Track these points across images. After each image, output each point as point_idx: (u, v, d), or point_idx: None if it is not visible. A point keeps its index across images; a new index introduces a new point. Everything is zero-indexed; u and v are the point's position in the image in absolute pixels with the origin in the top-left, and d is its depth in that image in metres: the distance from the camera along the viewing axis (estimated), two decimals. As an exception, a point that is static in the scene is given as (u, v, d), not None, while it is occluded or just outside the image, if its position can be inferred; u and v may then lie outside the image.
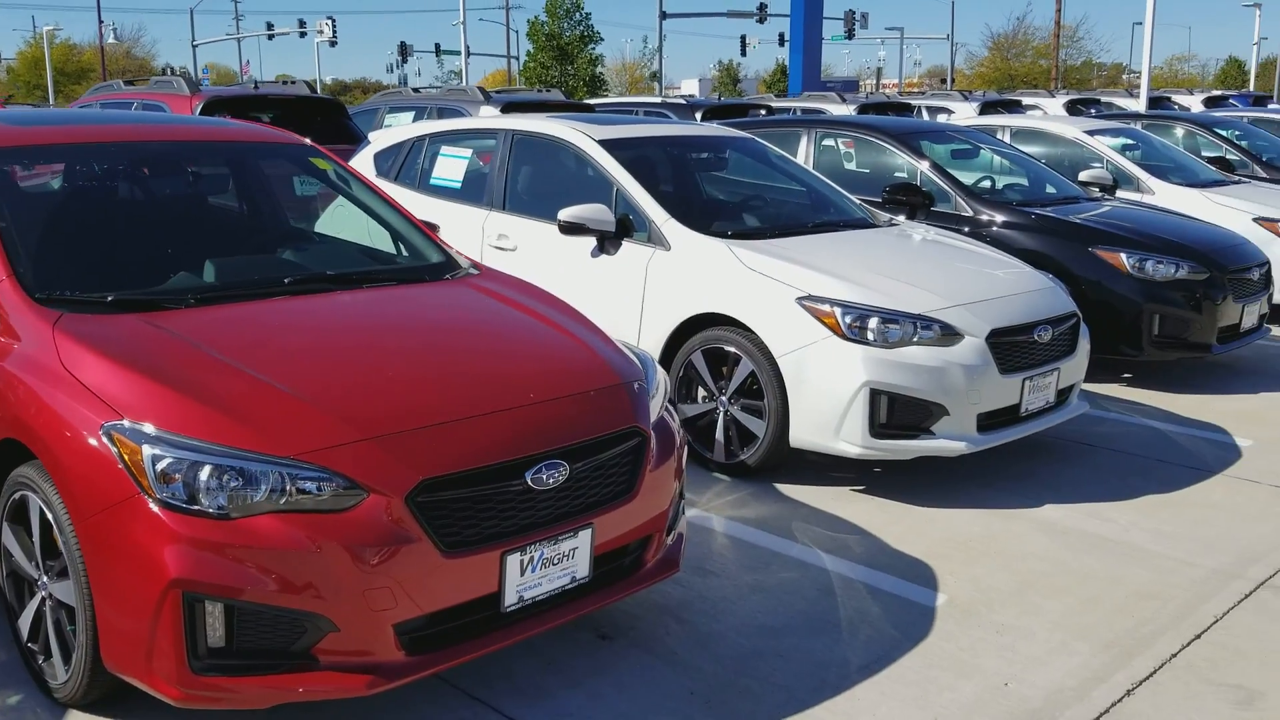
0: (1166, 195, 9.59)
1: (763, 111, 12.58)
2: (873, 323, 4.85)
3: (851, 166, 8.71)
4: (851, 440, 4.86)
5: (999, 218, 7.45)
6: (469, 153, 6.61)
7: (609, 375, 3.48)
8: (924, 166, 7.88)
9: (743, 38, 60.38)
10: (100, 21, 65.50)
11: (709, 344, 5.26)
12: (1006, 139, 10.58)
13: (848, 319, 4.87)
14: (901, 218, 6.53)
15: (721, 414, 5.27)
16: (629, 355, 3.73)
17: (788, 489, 5.14)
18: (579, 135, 6.05)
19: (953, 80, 73.13)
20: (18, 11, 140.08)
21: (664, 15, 53.78)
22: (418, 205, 6.72)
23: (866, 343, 4.83)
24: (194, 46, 72.05)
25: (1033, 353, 5.16)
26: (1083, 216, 7.43)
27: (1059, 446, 5.85)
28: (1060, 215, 7.39)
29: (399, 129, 7.21)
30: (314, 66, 72.97)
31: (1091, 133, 10.29)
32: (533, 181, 6.33)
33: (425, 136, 6.96)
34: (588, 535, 3.20)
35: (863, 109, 15.48)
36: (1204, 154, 12.12)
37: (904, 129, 8.36)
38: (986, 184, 8.69)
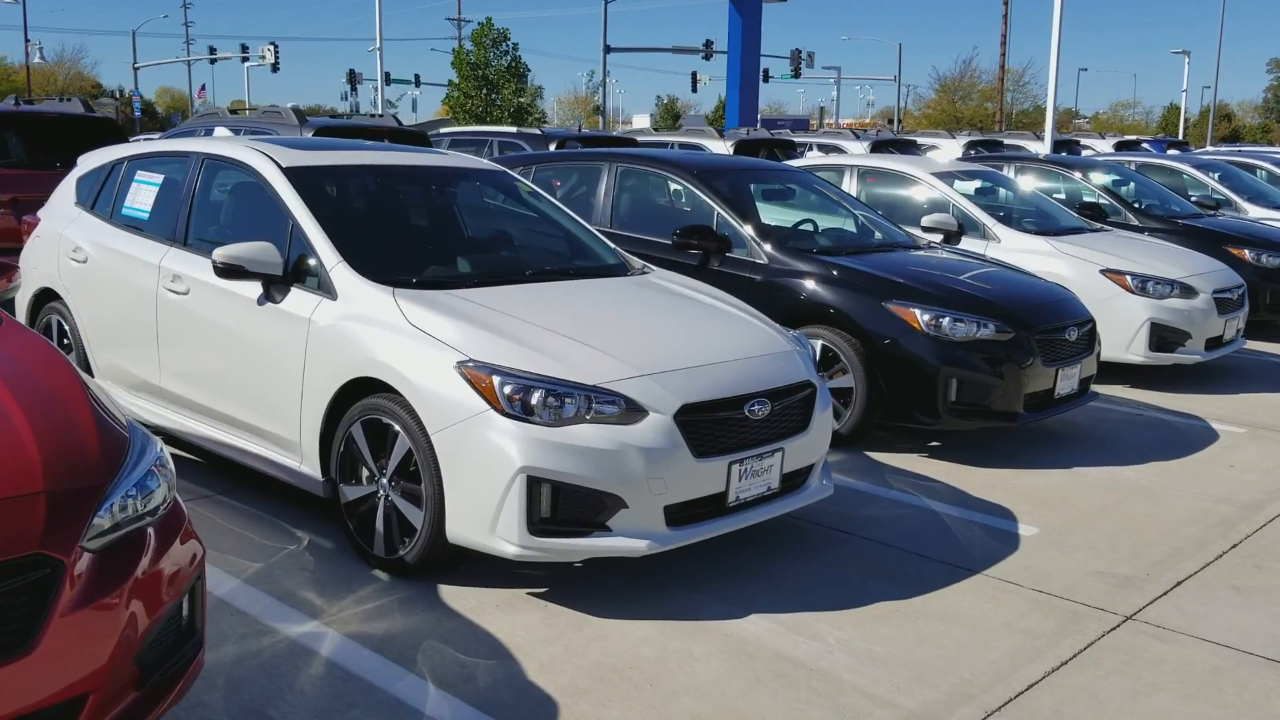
0: (1013, 243, 8.94)
1: (578, 144, 11.84)
2: (536, 396, 4.01)
3: (666, 204, 7.93)
4: (508, 538, 4.00)
5: (797, 266, 6.68)
6: (160, 179, 5.72)
7: (25, 480, 2.59)
8: (721, 208, 7.11)
9: (693, 74, 60.29)
10: (26, 41, 64.13)
11: (368, 414, 4.38)
12: (853, 180, 9.92)
13: (507, 389, 4.02)
14: (654, 267, 5.71)
15: (382, 499, 4.40)
16: (109, 444, 2.85)
17: (450, 592, 4.26)
18: (262, 160, 5.18)
19: (899, 121, 73.46)
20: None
21: (608, 49, 53.38)
22: (107, 238, 5.84)
23: (527, 419, 3.98)
24: (135, 69, 70.91)
25: (744, 431, 4.33)
26: (884, 268, 6.67)
27: (807, 535, 5.04)
28: (857, 265, 6.62)
29: (102, 151, 6.30)
30: (258, 92, 72.04)
31: (942, 175, 9.61)
32: (216, 213, 5.45)
33: (124, 159, 6.06)
34: (-73, 711, 2.30)
35: (740, 146, 14.78)
36: (1085, 200, 11.54)
37: (709, 166, 7.59)
38: (808, 228, 7.96)
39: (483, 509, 4.01)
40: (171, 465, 3.04)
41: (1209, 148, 28.12)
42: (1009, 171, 12.15)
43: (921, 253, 7.47)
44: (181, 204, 5.50)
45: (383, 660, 3.72)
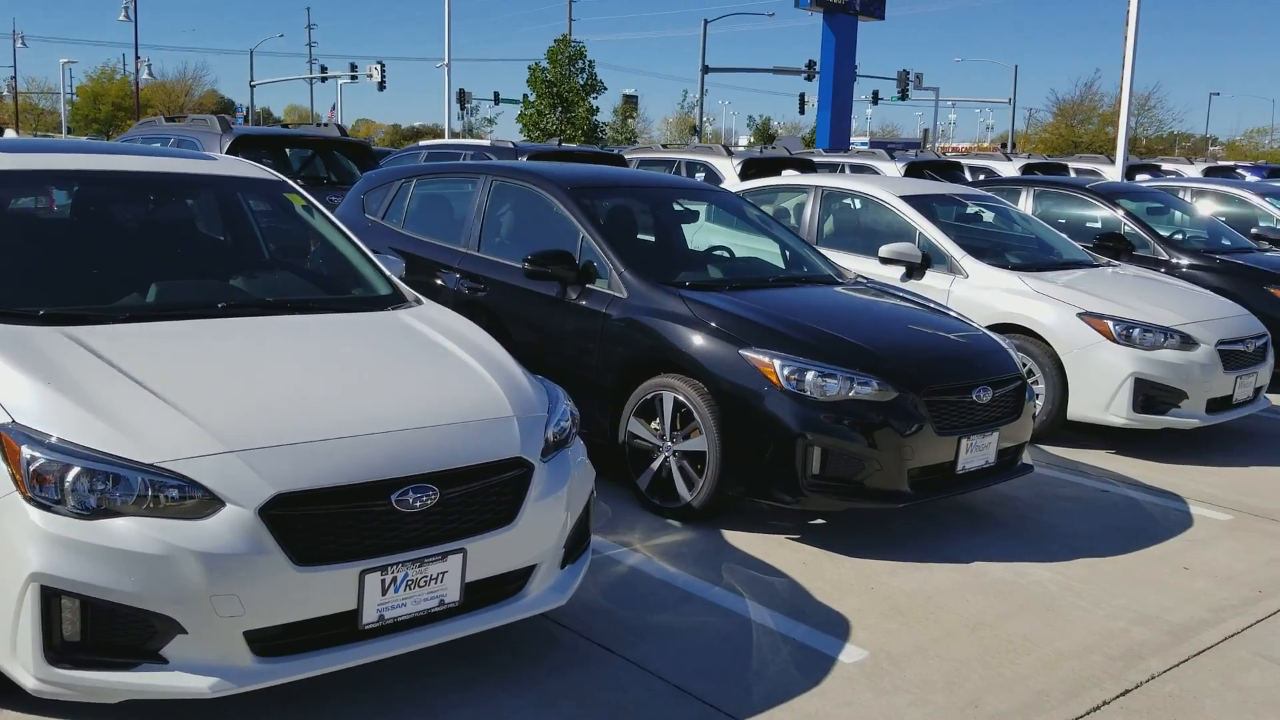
0: (983, 279, 7.68)
1: (491, 156, 10.85)
2: (72, 475, 3.00)
3: (541, 225, 6.86)
4: (25, 665, 2.99)
5: (656, 303, 5.56)
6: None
7: None
8: (587, 230, 6.03)
9: (801, 96, 59.34)
10: (137, 59, 66.30)
11: None
12: (815, 203, 8.75)
13: (34, 466, 3.00)
14: (427, 300, 4.66)
15: None
16: None
17: (5, 722, 3.27)
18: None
19: (1013, 145, 70.82)
20: (101, 49, 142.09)
21: (706, 69, 52.67)
22: None
23: (55, 508, 2.98)
24: (252, 86, 72.90)
25: (391, 528, 3.23)
26: (761, 307, 5.48)
27: (551, 649, 3.91)
28: (724, 304, 5.45)
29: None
30: (375, 110, 73.63)
31: (913, 199, 8.36)
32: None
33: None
34: None
35: (748, 165, 13.62)
36: (1107, 231, 10.11)
37: (584, 181, 6.51)
38: (718, 257, 6.85)
39: (2, 625, 3.02)
40: None
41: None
42: (1024, 198, 10.79)
43: (840, 289, 6.27)
44: None
45: None
